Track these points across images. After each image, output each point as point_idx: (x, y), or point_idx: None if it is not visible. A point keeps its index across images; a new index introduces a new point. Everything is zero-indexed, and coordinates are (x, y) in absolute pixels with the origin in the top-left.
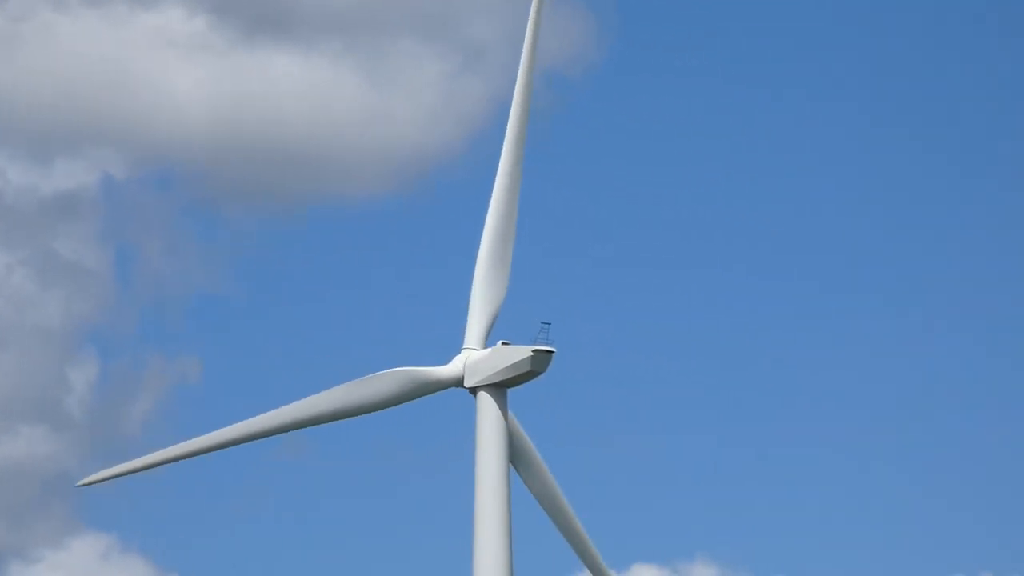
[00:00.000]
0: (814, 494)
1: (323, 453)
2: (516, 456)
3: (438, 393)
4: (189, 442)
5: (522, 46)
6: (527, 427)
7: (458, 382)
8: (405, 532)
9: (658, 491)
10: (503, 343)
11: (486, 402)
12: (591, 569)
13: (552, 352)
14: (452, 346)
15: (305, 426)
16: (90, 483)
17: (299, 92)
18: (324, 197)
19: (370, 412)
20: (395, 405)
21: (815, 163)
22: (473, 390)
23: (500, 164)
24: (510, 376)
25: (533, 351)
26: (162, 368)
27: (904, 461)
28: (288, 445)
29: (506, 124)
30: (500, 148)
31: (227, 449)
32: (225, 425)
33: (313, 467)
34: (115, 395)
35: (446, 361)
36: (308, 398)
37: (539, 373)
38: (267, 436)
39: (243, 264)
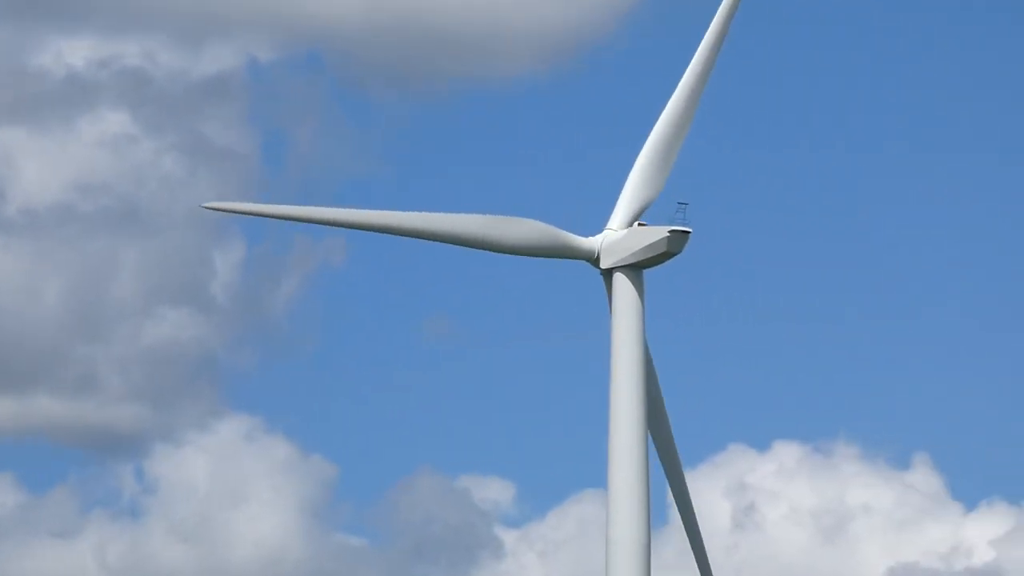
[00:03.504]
0: (961, 372)
1: (464, 331)
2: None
3: (572, 272)
4: (316, 208)
5: None
6: (662, 309)
7: (592, 258)
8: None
9: (798, 371)
10: (639, 224)
11: (622, 283)
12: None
13: (688, 232)
14: (594, 228)
15: (431, 239)
16: (214, 208)
17: None
18: (473, 77)
19: (498, 251)
20: (524, 255)
21: None
22: (609, 271)
23: (696, 56)
24: (646, 257)
25: (670, 231)
26: (307, 251)
27: None
28: (432, 324)
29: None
30: (652, 29)
31: (374, 328)
32: (367, 309)
33: (455, 348)
34: (260, 278)
35: None
36: (446, 215)
37: (675, 254)
38: (392, 233)
39: (391, 146)
